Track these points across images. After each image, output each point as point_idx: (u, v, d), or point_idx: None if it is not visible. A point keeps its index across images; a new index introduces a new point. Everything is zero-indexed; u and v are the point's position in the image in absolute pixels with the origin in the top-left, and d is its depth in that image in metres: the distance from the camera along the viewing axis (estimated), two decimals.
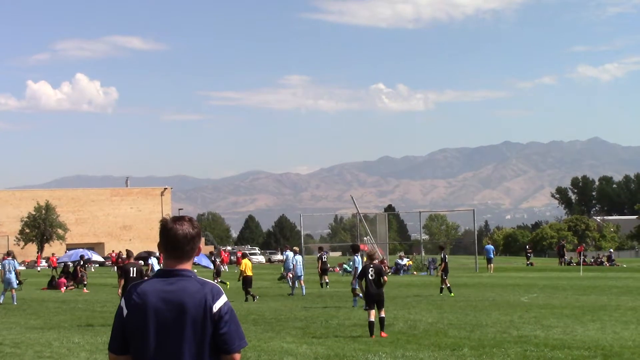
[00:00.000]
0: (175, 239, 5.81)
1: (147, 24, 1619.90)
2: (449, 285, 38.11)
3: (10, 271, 39.21)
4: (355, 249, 34.82)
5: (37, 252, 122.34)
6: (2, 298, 39.00)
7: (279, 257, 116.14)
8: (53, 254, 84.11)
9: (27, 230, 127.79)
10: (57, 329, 25.62)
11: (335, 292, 41.27)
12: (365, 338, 21.31)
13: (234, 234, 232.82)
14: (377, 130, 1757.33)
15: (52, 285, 52.45)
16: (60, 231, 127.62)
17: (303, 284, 41.66)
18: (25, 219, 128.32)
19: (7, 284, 39.07)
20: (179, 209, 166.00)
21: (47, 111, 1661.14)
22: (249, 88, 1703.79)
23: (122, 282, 27.57)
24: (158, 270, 5.96)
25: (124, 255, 39.44)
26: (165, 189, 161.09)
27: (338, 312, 28.96)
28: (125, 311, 5.75)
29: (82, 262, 58.96)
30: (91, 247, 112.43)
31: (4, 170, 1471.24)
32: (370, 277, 21.92)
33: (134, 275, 27.76)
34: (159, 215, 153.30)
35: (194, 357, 5.66)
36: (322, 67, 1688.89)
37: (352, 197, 79.48)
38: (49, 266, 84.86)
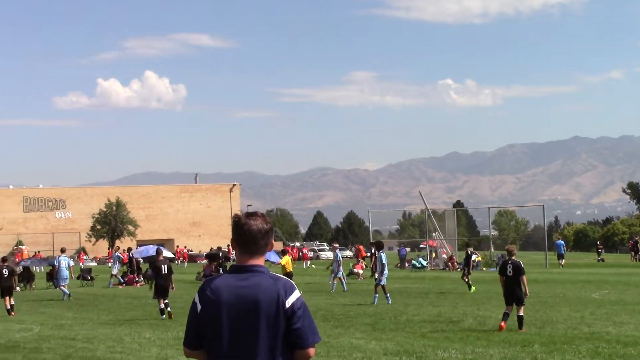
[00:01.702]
0: (249, 235, 5.86)
1: (216, 21, 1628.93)
2: (469, 281, 38.33)
3: (66, 267, 39.60)
4: (379, 246, 34.31)
5: (108, 249, 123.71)
6: (65, 295, 39.37)
7: (347, 253, 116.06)
8: (123, 250, 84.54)
9: (99, 227, 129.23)
10: (129, 324, 25.89)
11: (405, 289, 41.14)
12: (435, 334, 21.23)
13: (303, 230, 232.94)
14: (445, 126, 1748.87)
15: (124, 280, 53.01)
16: (130, 227, 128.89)
17: (339, 281, 41.85)
18: (96, 216, 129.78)
19: (62, 279, 39.42)
20: (248, 205, 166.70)
21: (117, 109, 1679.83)
22: (317, 85, 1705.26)
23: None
24: (232, 265, 6.02)
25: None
26: (234, 185, 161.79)
27: (407, 309, 28.87)
28: (199, 307, 5.83)
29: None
30: (161, 243, 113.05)
31: (75, 168, 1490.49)
32: (509, 274, 21.81)
33: (165, 272, 28.15)
34: (228, 211, 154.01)
35: (267, 352, 5.69)
36: (389, 63, 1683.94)
37: (420, 193, 79.21)
38: (122, 264, 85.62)
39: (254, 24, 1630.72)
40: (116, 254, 55.52)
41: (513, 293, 21.73)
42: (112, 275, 52.27)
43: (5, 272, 32.78)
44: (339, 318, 25.95)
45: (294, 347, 5.76)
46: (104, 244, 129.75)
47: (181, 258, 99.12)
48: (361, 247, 72.74)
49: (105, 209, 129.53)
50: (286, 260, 36.99)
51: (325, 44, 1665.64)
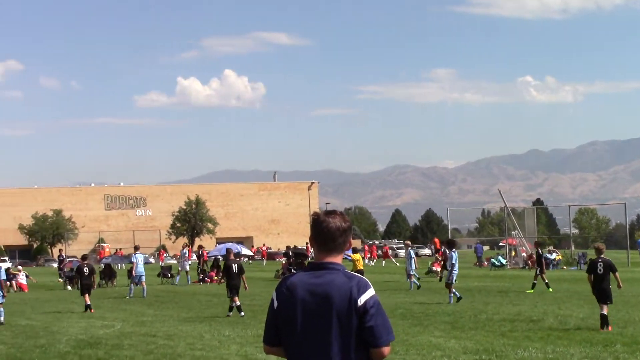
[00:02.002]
0: (327, 233, 5.88)
1: (293, 20, 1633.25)
2: (545, 280, 37.67)
3: (140, 265, 39.87)
4: (451, 245, 33.90)
5: (188, 246, 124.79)
6: (131, 293, 39.73)
7: (426, 251, 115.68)
8: (204, 248, 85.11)
9: (178, 224, 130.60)
10: (209, 321, 26.08)
11: (484, 287, 40.89)
12: (515, 333, 21.06)
13: (381, 228, 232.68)
14: (525, 123, 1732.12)
15: (203, 279, 53.42)
16: (210, 225, 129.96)
17: (413, 279, 41.86)
18: (176, 213, 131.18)
19: (138, 278, 39.71)
20: (326, 203, 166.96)
21: (197, 107, 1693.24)
22: (396, 82, 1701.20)
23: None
24: (309, 263, 6.05)
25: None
26: (313, 183, 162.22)
27: (486, 307, 28.68)
28: (275, 303, 5.88)
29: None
30: (240, 241, 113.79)
31: (155, 166, 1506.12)
32: (599, 272, 21.56)
33: (236, 271, 28.42)
34: (306, 209, 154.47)
35: (340, 349, 5.69)
36: (468, 60, 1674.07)
37: (499, 191, 78.71)
38: (199, 261, 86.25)
39: (331, 22, 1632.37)
40: (184, 250, 55.93)
41: (602, 291, 21.43)
42: (186, 272, 52.66)
43: (86, 270, 33.40)
44: (418, 316, 25.87)
45: (369, 346, 5.74)
46: (183, 241, 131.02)
47: (260, 256, 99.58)
48: (437, 240, 72.50)
49: (185, 207, 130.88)
50: (357, 257, 37.04)
51: (404, 42, 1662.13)
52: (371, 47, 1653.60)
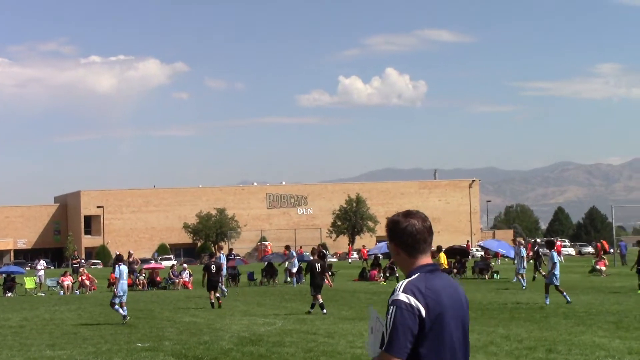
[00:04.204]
0: (423, 233, 5.65)
1: (455, 16, 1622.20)
2: None
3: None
4: (550, 245, 32.69)
5: (349, 244, 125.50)
6: (225, 290, 40.33)
7: (589, 249, 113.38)
8: (364, 246, 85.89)
9: (339, 223, 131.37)
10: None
11: None
12: None
13: (543, 225, 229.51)
14: None
15: (364, 276, 53.61)
16: (370, 223, 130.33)
17: (521, 277, 41.39)
18: (336, 212, 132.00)
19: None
20: (487, 201, 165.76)
21: (358, 106, 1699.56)
22: (560, 78, 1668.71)
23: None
24: (422, 266, 5.66)
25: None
26: (474, 181, 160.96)
27: None
28: (421, 310, 5.33)
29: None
30: None
31: (316, 164, 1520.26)
32: None
33: (319, 270, 29.74)
34: (467, 207, 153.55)
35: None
36: (635, 55, 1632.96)
37: None
38: (359, 258, 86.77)
39: (494, 18, 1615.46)
40: (292, 251, 54.28)
41: None
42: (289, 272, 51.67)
43: (213, 267, 34.39)
44: (581, 316, 25.38)
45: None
46: (344, 240, 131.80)
47: None
48: (604, 242, 70.83)
49: (345, 205, 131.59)
50: (443, 257, 37.04)
51: (568, 37, 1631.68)
52: (534, 43, 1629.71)
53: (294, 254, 52.60)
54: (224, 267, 41.22)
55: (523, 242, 47.04)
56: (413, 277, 5.38)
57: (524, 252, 43.13)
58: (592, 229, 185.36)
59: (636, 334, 20.64)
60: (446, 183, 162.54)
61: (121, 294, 27.73)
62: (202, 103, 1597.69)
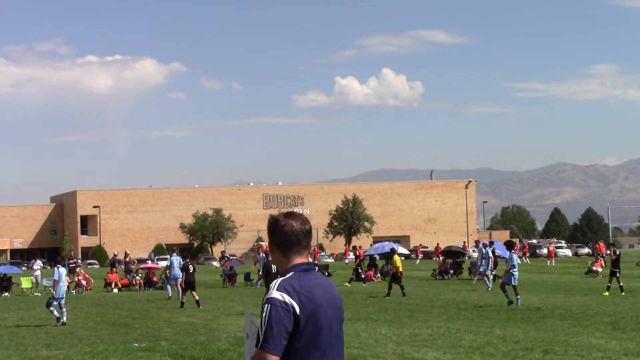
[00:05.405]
0: (300, 233, 5.72)
1: (452, 17, 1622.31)
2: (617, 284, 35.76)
3: (175, 267, 39.82)
4: (510, 246, 32.51)
5: (345, 245, 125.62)
6: (170, 292, 40.45)
7: (585, 250, 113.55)
8: (360, 247, 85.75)
9: (335, 223, 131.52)
10: (365, 320, 26.16)
11: None
12: None
13: (539, 227, 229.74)
14: None
15: (359, 277, 53.60)
16: (367, 224, 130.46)
17: (487, 279, 41.37)
18: (333, 212, 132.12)
19: (174, 279, 39.71)
20: (484, 202, 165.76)
21: (355, 106, 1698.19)
22: (555, 79, 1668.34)
23: None
24: (299, 264, 5.75)
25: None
26: (470, 181, 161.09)
27: None
28: (296, 309, 5.51)
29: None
30: (397, 240, 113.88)
31: (313, 165, 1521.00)
32: None
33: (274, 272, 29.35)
34: (463, 208, 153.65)
35: None
36: (631, 56, 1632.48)
37: None
38: (356, 258, 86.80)
39: (490, 19, 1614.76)
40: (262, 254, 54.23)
41: None
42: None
43: (191, 267, 34.82)
44: (577, 317, 25.42)
45: None
46: (340, 240, 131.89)
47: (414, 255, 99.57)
48: (602, 243, 70.97)
49: (342, 206, 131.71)
50: (397, 259, 37.26)
51: (564, 38, 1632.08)
52: (530, 45, 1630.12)
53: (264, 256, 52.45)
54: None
55: (487, 242, 46.99)
56: (287, 275, 5.51)
57: (490, 253, 43.04)
58: (588, 230, 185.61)
59: (632, 335, 20.66)
60: (442, 184, 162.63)
61: (59, 296, 27.29)
62: (199, 103, 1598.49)
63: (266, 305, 5.36)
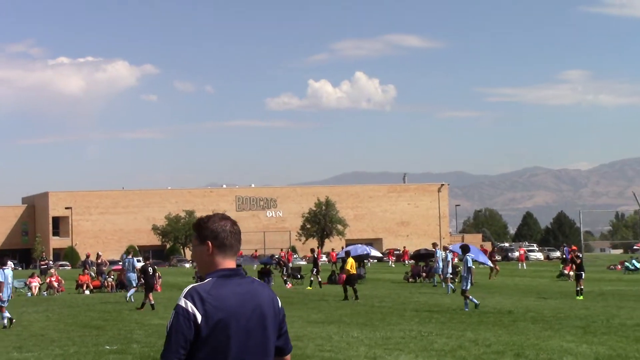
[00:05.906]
0: (235, 236, 5.65)
1: (424, 22, 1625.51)
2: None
3: (130, 270, 39.21)
4: (465, 249, 32.61)
5: (318, 247, 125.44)
6: (130, 296, 37.91)
7: (557, 254, 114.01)
8: (332, 249, 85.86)
9: (308, 226, 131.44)
10: (338, 323, 26.17)
11: (617, 291, 40.11)
12: None
13: (512, 230, 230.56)
14: None
15: (332, 280, 53.66)
16: (339, 227, 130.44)
17: (450, 283, 41.66)
18: (306, 215, 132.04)
19: (129, 282, 38.98)
20: (456, 205, 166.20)
21: (328, 109, 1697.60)
22: (526, 84, 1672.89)
23: None
24: (219, 270, 5.53)
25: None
26: (442, 185, 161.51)
27: (620, 312, 28.13)
28: (197, 317, 5.25)
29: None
30: (369, 242, 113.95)
31: (286, 167, 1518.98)
32: None
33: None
34: (436, 211, 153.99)
35: None
36: (602, 61, 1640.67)
37: (634, 194, 77.25)
38: (329, 261, 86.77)
39: (462, 25, 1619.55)
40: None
41: None
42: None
43: (150, 270, 34.90)
44: (549, 320, 25.53)
45: (282, 353, 5.51)
46: (313, 242, 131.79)
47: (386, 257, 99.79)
48: (575, 247, 71.40)
49: (315, 208, 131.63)
50: (351, 262, 37.45)
51: (536, 43, 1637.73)
52: (502, 50, 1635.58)
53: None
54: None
55: (449, 247, 47.25)
56: (202, 282, 5.29)
57: (450, 256, 43.23)
58: (560, 233, 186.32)
59: (603, 338, 20.76)
60: (415, 187, 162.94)
61: (5, 299, 26.73)
62: (171, 105, 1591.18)
63: (172, 313, 5.20)
